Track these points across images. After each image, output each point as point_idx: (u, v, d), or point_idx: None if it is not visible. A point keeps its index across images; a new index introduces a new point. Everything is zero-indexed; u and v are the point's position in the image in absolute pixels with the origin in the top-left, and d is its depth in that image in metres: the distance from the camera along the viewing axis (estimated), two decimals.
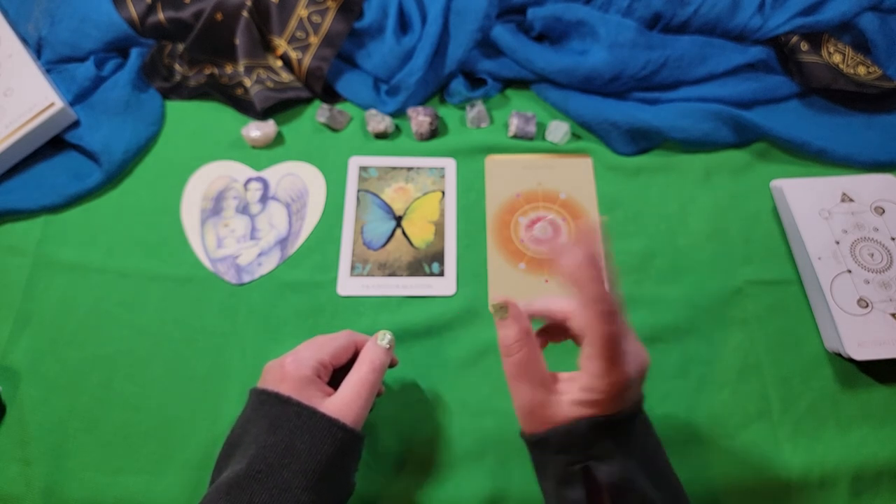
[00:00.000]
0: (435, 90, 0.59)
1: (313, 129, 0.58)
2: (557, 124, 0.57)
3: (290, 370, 0.36)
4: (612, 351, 0.29)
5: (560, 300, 0.34)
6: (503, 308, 0.32)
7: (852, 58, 0.57)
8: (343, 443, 0.34)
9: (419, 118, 0.56)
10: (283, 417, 0.34)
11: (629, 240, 0.52)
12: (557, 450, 0.31)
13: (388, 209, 0.54)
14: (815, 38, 0.58)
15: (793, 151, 0.56)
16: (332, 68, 0.58)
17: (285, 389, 0.35)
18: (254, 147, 0.57)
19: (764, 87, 0.57)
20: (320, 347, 0.38)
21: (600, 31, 0.55)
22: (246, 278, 0.50)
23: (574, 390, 0.31)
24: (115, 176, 0.54)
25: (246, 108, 0.58)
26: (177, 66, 0.59)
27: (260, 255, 0.51)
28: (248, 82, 0.57)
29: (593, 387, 0.30)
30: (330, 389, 0.37)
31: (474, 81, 0.60)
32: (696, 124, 0.54)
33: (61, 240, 0.51)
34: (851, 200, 0.50)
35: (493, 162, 0.56)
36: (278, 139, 0.57)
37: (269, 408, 0.35)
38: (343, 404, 0.35)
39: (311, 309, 0.49)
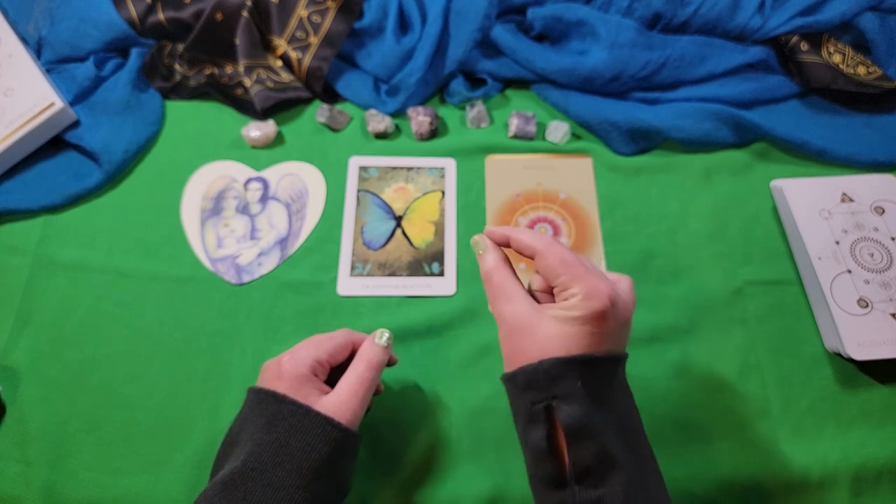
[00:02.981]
0: (435, 90, 0.59)
1: (313, 129, 0.58)
2: (557, 124, 0.57)
3: (286, 368, 0.36)
4: (573, 263, 0.31)
5: (527, 234, 0.34)
6: (482, 242, 0.36)
7: (852, 58, 0.57)
8: (338, 441, 0.34)
9: (419, 118, 0.56)
10: (278, 416, 0.34)
11: (629, 240, 0.52)
12: (524, 386, 0.31)
13: (388, 209, 0.54)
14: (815, 38, 0.58)
15: (793, 151, 0.56)
16: (332, 68, 0.58)
17: (281, 388, 0.35)
18: (254, 147, 0.57)
19: (764, 87, 0.57)
20: (317, 346, 0.38)
21: (600, 31, 0.55)
22: (246, 278, 0.50)
23: (555, 304, 0.32)
24: (115, 176, 0.54)
25: (246, 108, 0.58)
26: (177, 66, 0.59)
27: (260, 255, 0.51)
28: (248, 82, 0.57)
29: (571, 302, 0.31)
30: (327, 388, 0.37)
31: (474, 81, 0.60)
32: (696, 124, 0.54)
33: (61, 240, 0.51)
34: (851, 200, 0.50)
35: (493, 162, 0.56)
36: (278, 139, 0.57)
37: (265, 406, 0.35)
38: (339, 403, 0.35)
39: (311, 309, 0.49)
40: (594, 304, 0.30)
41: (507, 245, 0.35)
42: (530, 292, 0.35)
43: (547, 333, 0.31)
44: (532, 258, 0.33)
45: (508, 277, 0.34)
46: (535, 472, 0.31)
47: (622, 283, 0.34)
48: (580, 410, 0.29)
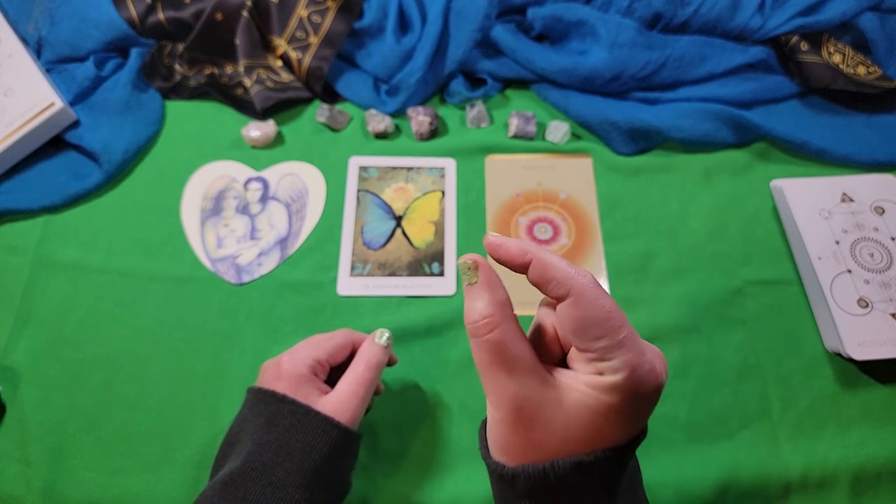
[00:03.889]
0: (435, 90, 0.59)
1: (313, 129, 0.58)
2: (557, 124, 0.57)
3: (286, 368, 0.36)
4: (621, 324, 0.22)
5: (562, 263, 0.23)
6: (473, 269, 0.24)
7: (852, 58, 0.57)
8: (338, 441, 0.34)
9: (419, 118, 0.56)
10: (278, 416, 0.34)
11: (629, 240, 0.52)
12: (526, 493, 0.23)
13: (388, 209, 0.54)
14: (815, 38, 0.58)
15: (793, 151, 0.56)
16: (332, 68, 0.58)
17: (281, 388, 0.35)
18: (254, 147, 0.57)
19: (764, 87, 0.57)
20: (317, 346, 0.38)
21: (600, 31, 0.55)
22: (246, 278, 0.50)
23: (581, 379, 0.23)
24: (115, 176, 0.54)
25: (246, 108, 0.58)
26: (177, 66, 0.59)
27: (260, 255, 0.51)
28: (248, 82, 0.57)
29: (611, 380, 0.22)
30: (326, 388, 0.37)
31: (474, 81, 0.60)
32: (696, 124, 0.54)
33: (61, 240, 0.51)
34: (851, 200, 0.50)
35: (493, 162, 0.56)
36: (278, 139, 0.57)
37: (264, 406, 0.35)
38: (339, 402, 0.35)
39: (311, 309, 0.49)
40: (643, 388, 0.22)
41: (520, 267, 0.24)
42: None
43: (568, 423, 0.22)
44: (556, 299, 0.23)
45: (513, 334, 0.23)
46: None
47: (657, 352, 0.24)
48: None
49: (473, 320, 0.24)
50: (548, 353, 0.25)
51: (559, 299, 0.23)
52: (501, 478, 0.24)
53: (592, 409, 0.22)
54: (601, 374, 0.22)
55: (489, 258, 0.25)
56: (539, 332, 0.26)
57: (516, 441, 0.23)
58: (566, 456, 0.22)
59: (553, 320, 0.25)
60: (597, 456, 0.22)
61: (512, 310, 0.24)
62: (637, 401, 0.22)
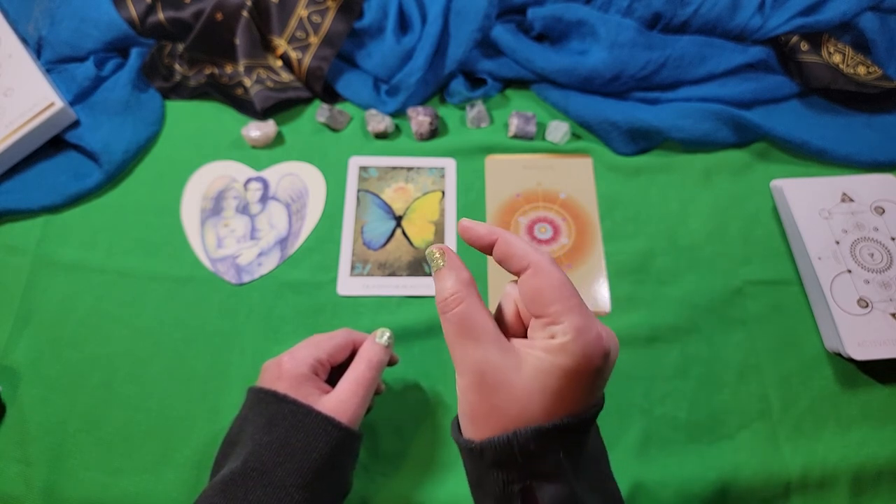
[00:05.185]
0: (435, 90, 0.59)
1: (313, 129, 0.58)
2: (557, 124, 0.57)
3: (286, 368, 0.36)
4: (571, 293, 0.25)
5: (520, 241, 0.27)
6: (440, 255, 0.28)
7: (852, 58, 0.57)
8: (338, 441, 0.34)
9: (419, 118, 0.56)
10: (278, 415, 0.34)
11: (629, 240, 0.52)
12: (494, 463, 0.25)
13: (388, 209, 0.54)
14: (815, 38, 0.58)
15: (793, 151, 0.56)
16: (332, 68, 0.58)
17: (282, 388, 0.35)
18: (254, 147, 0.57)
19: (764, 87, 0.57)
20: (317, 346, 0.38)
21: (600, 31, 0.55)
22: (246, 278, 0.50)
23: (536, 345, 0.25)
24: (115, 176, 0.54)
25: (246, 108, 0.58)
26: (177, 66, 0.59)
27: (260, 255, 0.51)
28: (248, 82, 0.57)
29: (559, 342, 0.24)
30: (327, 387, 0.37)
31: (474, 81, 0.60)
32: (696, 124, 0.54)
33: (61, 240, 0.51)
34: (851, 200, 0.50)
35: (493, 162, 0.56)
36: (278, 139, 0.57)
37: (265, 406, 0.35)
38: (339, 402, 0.35)
39: (311, 309, 0.49)
40: (590, 351, 0.24)
41: (487, 247, 0.27)
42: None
43: (527, 388, 0.24)
44: (517, 273, 0.26)
45: (476, 308, 0.26)
46: None
47: (608, 329, 0.26)
48: (566, 490, 0.24)
49: (443, 297, 0.26)
50: (511, 330, 0.28)
51: (520, 272, 0.26)
52: (471, 452, 0.26)
53: (547, 371, 0.24)
54: (553, 337, 0.25)
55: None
56: (502, 310, 0.29)
57: (481, 406, 0.25)
58: (527, 425, 0.24)
59: (515, 296, 0.28)
60: (554, 423, 0.24)
61: (475, 288, 0.27)
62: (586, 364, 0.24)
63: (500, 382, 0.25)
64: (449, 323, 0.26)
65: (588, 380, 0.24)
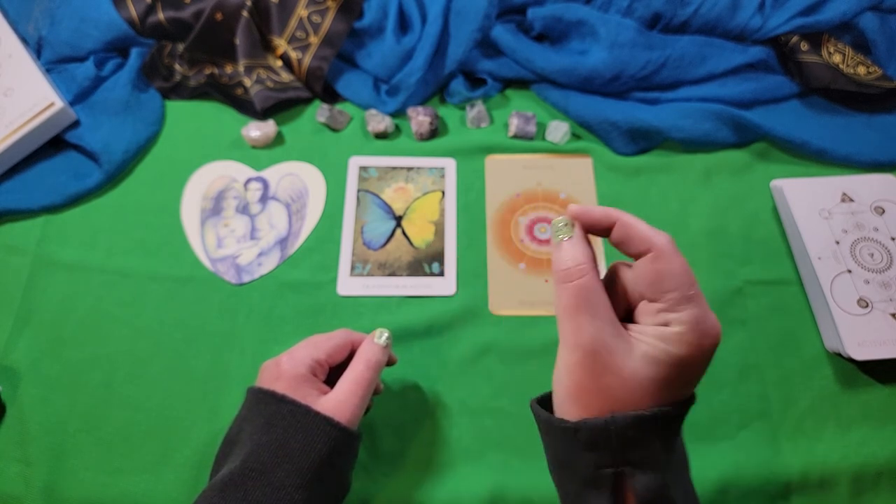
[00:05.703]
0: (435, 90, 0.59)
1: (313, 129, 0.58)
2: (557, 124, 0.57)
3: (285, 368, 0.36)
4: (692, 281, 0.24)
5: (643, 222, 0.27)
6: (569, 225, 0.28)
7: (852, 58, 0.57)
8: (337, 441, 0.34)
9: (419, 118, 0.56)
10: (277, 416, 0.34)
11: None
12: (587, 444, 0.25)
13: (388, 209, 0.54)
14: (815, 38, 0.58)
15: (793, 151, 0.56)
16: (332, 68, 0.58)
17: (280, 388, 0.35)
18: (254, 147, 0.57)
19: (764, 87, 0.57)
20: (316, 346, 0.38)
21: (600, 31, 0.55)
22: (246, 278, 0.50)
23: (648, 331, 0.25)
24: (115, 176, 0.54)
25: (246, 108, 0.58)
26: (177, 66, 0.59)
27: (260, 255, 0.51)
28: (248, 82, 0.57)
29: (675, 331, 0.24)
30: (326, 388, 0.37)
31: (474, 81, 0.60)
32: (696, 124, 0.54)
33: (61, 240, 0.51)
34: (851, 200, 0.50)
35: (493, 162, 0.56)
36: (278, 139, 0.57)
37: (264, 406, 0.35)
38: (338, 402, 0.35)
39: (311, 309, 0.49)
40: (705, 342, 0.24)
41: (604, 228, 0.27)
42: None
43: (636, 373, 0.24)
44: (636, 255, 0.26)
45: (598, 284, 0.26)
46: None
47: (718, 322, 0.26)
48: (659, 480, 0.24)
49: (566, 267, 0.26)
50: (615, 308, 0.27)
51: (639, 255, 0.26)
52: (564, 431, 0.26)
53: (658, 360, 0.24)
54: (668, 324, 0.25)
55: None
56: (610, 287, 0.28)
57: (589, 384, 0.25)
58: (627, 409, 0.24)
59: (626, 277, 0.27)
60: (655, 412, 0.24)
61: (597, 265, 0.27)
62: (698, 354, 0.24)
63: (611, 363, 0.25)
64: (570, 294, 0.26)
65: (696, 371, 0.25)
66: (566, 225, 0.28)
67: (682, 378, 0.25)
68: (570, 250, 0.27)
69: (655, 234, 0.26)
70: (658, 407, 0.24)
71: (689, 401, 0.26)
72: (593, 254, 0.27)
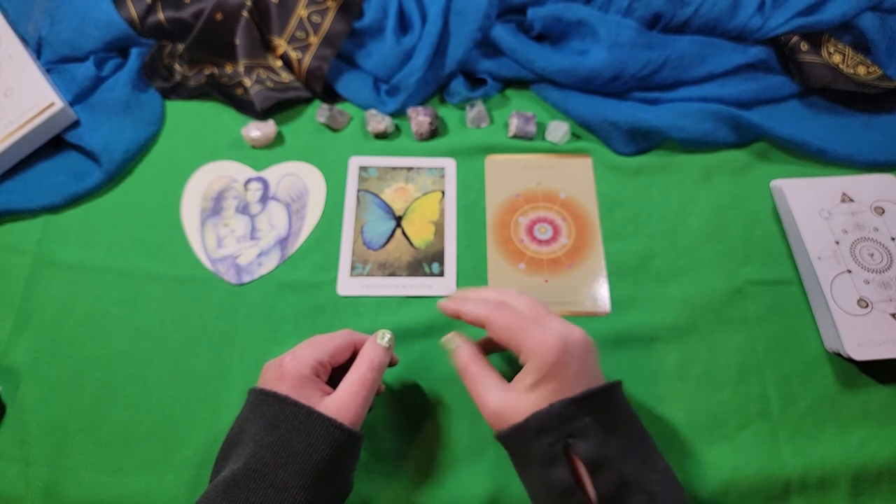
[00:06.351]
0: (435, 90, 0.59)
1: (313, 129, 0.58)
2: (557, 124, 0.57)
3: (288, 369, 0.36)
4: (516, 326, 0.35)
5: (474, 306, 0.37)
6: (452, 339, 0.39)
7: (852, 58, 0.57)
8: (340, 442, 0.34)
9: (419, 118, 0.56)
10: (280, 417, 0.34)
11: (629, 240, 0.52)
12: (538, 431, 0.33)
13: (388, 209, 0.54)
14: (815, 38, 0.58)
15: (793, 151, 0.56)
16: (332, 68, 0.58)
17: (283, 389, 0.35)
18: (254, 147, 0.57)
19: (764, 87, 0.57)
20: (319, 347, 0.38)
21: (600, 31, 0.55)
22: (246, 278, 0.50)
23: (520, 380, 0.35)
24: (115, 176, 0.54)
25: (246, 108, 0.58)
26: (177, 66, 0.59)
27: (260, 255, 0.51)
28: (248, 82, 0.57)
29: (527, 367, 0.34)
30: (329, 389, 0.37)
31: (474, 81, 0.60)
32: (696, 124, 0.54)
33: (61, 240, 0.51)
34: (851, 200, 0.50)
35: (493, 162, 0.56)
36: (278, 139, 0.57)
37: (266, 407, 0.35)
38: (341, 403, 0.35)
39: (311, 309, 0.49)
40: (547, 359, 0.33)
41: (459, 318, 0.38)
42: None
43: (528, 406, 0.33)
44: (479, 326, 0.37)
45: (483, 368, 0.37)
46: None
47: (568, 326, 0.35)
48: (596, 443, 0.32)
49: (460, 366, 0.38)
50: (491, 345, 0.42)
51: (483, 327, 0.37)
52: (518, 429, 0.33)
53: (532, 390, 0.34)
54: (523, 363, 0.35)
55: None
56: (464, 318, 0.38)
57: (496, 420, 0.35)
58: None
59: (475, 314, 0.38)
60: (577, 395, 0.33)
61: (481, 352, 0.39)
62: (555, 369, 0.33)
63: (510, 411, 0.34)
64: (469, 381, 0.37)
65: (562, 371, 0.33)
66: (452, 338, 0.39)
67: (563, 381, 0.33)
68: (458, 354, 0.38)
69: (482, 311, 0.37)
70: (580, 392, 0.33)
71: (611, 384, 0.35)
72: (475, 349, 0.38)
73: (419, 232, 0.53)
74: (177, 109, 0.59)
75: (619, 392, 0.36)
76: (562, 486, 0.32)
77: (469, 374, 0.37)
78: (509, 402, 0.34)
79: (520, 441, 0.34)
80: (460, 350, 0.38)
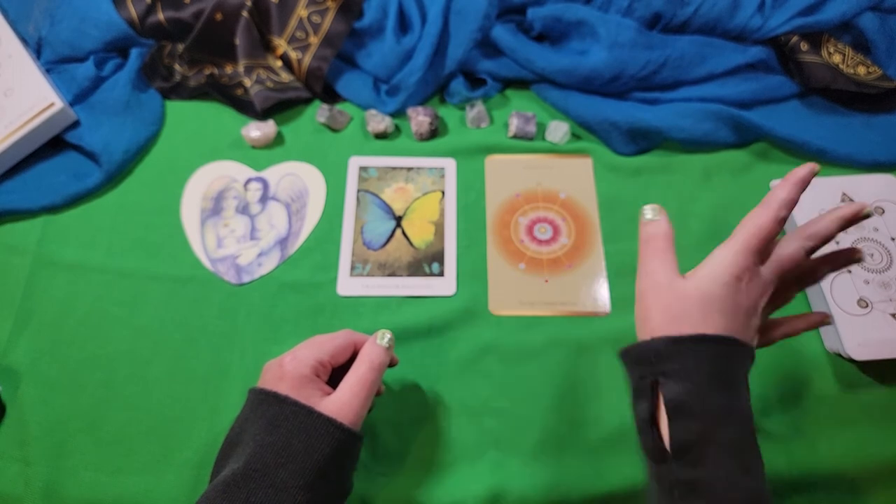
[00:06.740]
0: (435, 90, 0.59)
1: (313, 129, 0.58)
2: (557, 124, 0.57)
3: (288, 369, 0.36)
4: (752, 240, 0.31)
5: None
6: (656, 210, 0.36)
7: (852, 58, 0.57)
8: (340, 442, 0.34)
9: (419, 118, 0.56)
10: (280, 417, 0.34)
11: (629, 240, 0.52)
12: (636, 360, 0.32)
13: (388, 209, 0.54)
14: (815, 38, 0.58)
15: (793, 151, 0.56)
16: (332, 68, 0.58)
17: (283, 389, 0.35)
18: (254, 147, 0.57)
19: (764, 87, 0.57)
20: (319, 347, 0.38)
21: (600, 31, 0.55)
22: (246, 278, 0.50)
23: (693, 276, 0.32)
24: (115, 176, 0.54)
25: (246, 108, 0.58)
26: (177, 66, 0.59)
27: (260, 255, 0.51)
28: (248, 82, 0.57)
29: (713, 261, 0.32)
30: (329, 389, 0.37)
31: (474, 81, 0.60)
32: (696, 124, 0.54)
33: (61, 240, 0.51)
34: (851, 200, 0.50)
35: (493, 162, 0.56)
36: (278, 139, 0.57)
37: (266, 407, 0.35)
38: (341, 403, 0.35)
39: (311, 309, 0.49)
40: (729, 268, 0.31)
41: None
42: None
43: (678, 299, 0.32)
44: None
45: (670, 247, 0.34)
46: (642, 443, 0.32)
47: (763, 280, 0.32)
48: (683, 388, 0.30)
49: (654, 231, 0.35)
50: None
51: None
52: (624, 354, 0.34)
53: (694, 292, 0.32)
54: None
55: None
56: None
57: (645, 310, 0.33)
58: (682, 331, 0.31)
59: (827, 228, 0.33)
60: (685, 335, 0.30)
61: (673, 238, 0.35)
62: (723, 290, 0.31)
63: (664, 292, 0.32)
64: (650, 247, 0.34)
65: (724, 298, 0.31)
66: (656, 211, 0.35)
67: (716, 311, 0.31)
68: (661, 221, 0.35)
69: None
70: (687, 334, 0.30)
71: (732, 338, 0.31)
72: (671, 230, 0.35)
73: (419, 232, 0.53)
74: (177, 109, 0.59)
75: (741, 358, 0.31)
76: (640, 419, 0.31)
77: (657, 242, 0.34)
78: (672, 284, 0.32)
79: (626, 364, 0.34)
80: (663, 220, 0.35)
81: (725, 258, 0.32)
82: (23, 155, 0.54)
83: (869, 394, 0.45)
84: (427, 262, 0.51)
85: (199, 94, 0.59)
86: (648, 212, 0.35)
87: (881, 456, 0.43)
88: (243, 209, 0.54)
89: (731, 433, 0.29)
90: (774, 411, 0.45)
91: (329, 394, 0.36)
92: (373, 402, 0.41)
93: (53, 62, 0.58)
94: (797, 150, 0.55)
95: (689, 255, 0.51)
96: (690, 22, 0.57)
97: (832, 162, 0.55)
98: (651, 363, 0.31)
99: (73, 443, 0.43)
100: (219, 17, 0.57)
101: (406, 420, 0.45)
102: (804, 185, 0.32)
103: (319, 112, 0.57)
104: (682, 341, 0.30)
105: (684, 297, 0.32)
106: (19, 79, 0.55)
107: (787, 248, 0.33)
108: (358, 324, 0.48)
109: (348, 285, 0.50)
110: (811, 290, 0.48)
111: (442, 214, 0.54)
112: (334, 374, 0.38)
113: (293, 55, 0.58)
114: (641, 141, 0.56)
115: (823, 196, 0.50)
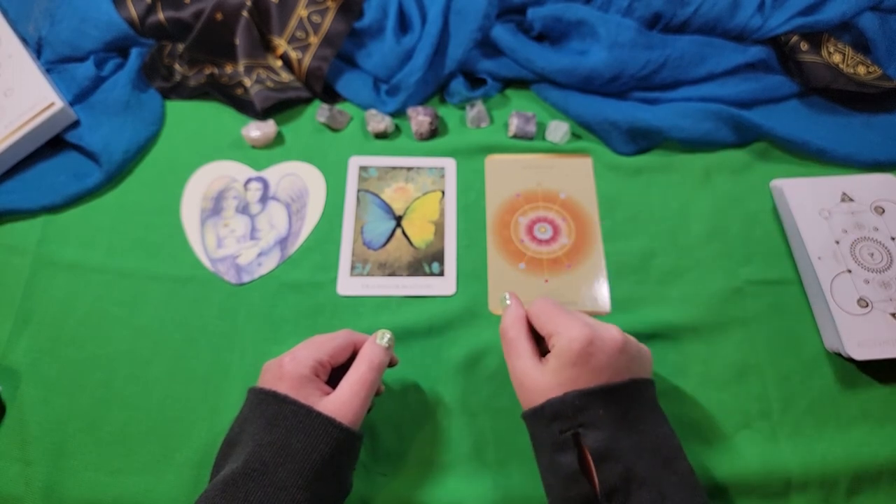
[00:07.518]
0: (435, 90, 0.59)
1: (313, 129, 0.58)
2: (557, 124, 0.57)
3: (288, 369, 0.36)
4: (555, 314, 0.37)
5: (536, 307, 0.39)
6: (507, 298, 0.41)
7: (852, 58, 0.57)
8: (339, 442, 0.34)
9: (419, 118, 0.56)
10: (279, 416, 0.34)
11: (629, 240, 0.52)
12: (551, 418, 0.34)
13: (388, 209, 0.54)
14: (815, 37, 0.58)
15: (793, 151, 0.56)
16: (332, 68, 0.58)
17: (283, 388, 0.35)
18: (254, 147, 0.57)
19: (764, 87, 0.57)
20: (319, 346, 0.38)
21: (600, 30, 0.55)
22: (246, 278, 0.50)
23: (549, 358, 0.36)
24: (115, 176, 0.54)
25: (246, 108, 0.58)
26: (177, 66, 0.59)
27: (260, 255, 0.51)
28: (248, 82, 0.57)
29: (556, 348, 0.35)
30: (328, 388, 0.37)
31: (474, 81, 0.60)
32: (696, 124, 0.54)
33: (61, 240, 0.51)
34: (851, 200, 0.50)
35: (493, 162, 0.56)
36: (278, 139, 0.57)
37: (266, 406, 0.35)
38: (341, 403, 0.35)
39: (311, 309, 0.49)
40: (572, 345, 0.34)
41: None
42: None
43: (547, 384, 0.35)
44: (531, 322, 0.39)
45: (522, 335, 0.38)
46: (567, 495, 0.33)
47: (605, 326, 0.37)
48: (606, 434, 0.33)
49: (503, 325, 0.39)
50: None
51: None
52: (535, 413, 0.35)
53: (556, 370, 0.35)
54: (554, 346, 0.36)
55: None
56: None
57: (524, 398, 0.37)
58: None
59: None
60: (592, 388, 0.34)
61: (527, 323, 0.39)
62: (580, 357, 0.34)
63: (532, 382, 0.36)
64: (505, 342, 0.38)
65: (585, 361, 0.34)
66: (507, 297, 0.41)
67: (586, 371, 0.34)
68: (506, 314, 0.40)
69: (532, 305, 0.39)
70: (596, 385, 0.34)
71: (635, 380, 0.35)
72: (523, 315, 0.39)
73: (419, 232, 0.53)
74: (177, 109, 0.59)
75: (644, 391, 0.36)
76: (566, 471, 0.33)
77: (507, 337, 0.38)
78: (533, 374, 0.35)
79: (536, 424, 0.35)
80: (508, 310, 0.40)
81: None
82: (23, 155, 0.54)
83: (869, 394, 0.45)
84: (427, 261, 0.51)
85: (199, 93, 0.59)
86: (502, 301, 0.41)
87: (881, 455, 0.43)
88: (243, 209, 0.54)
89: (649, 466, 0.33)
90: (774, 411, 0.45)
91: (328, 393, 0.36)
92: (372, 401, 0.41)
93: (53, 62, 0.58)
94: (797, 150, 0.55)
95: (688, 254, 0.51)
96: (690, 22, 0.57)
97: (832, 162, 0.55)
98: (569, 417, 0.33)
99: (73, 443, 0.43)
100: (219, 16, 0.57)
101: (406, 420, 0.45)
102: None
103: (319, 112, 0.57)
104: (593, 393, 0.33)
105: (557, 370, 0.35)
106: (19, 79, 0.55)
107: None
108: (358, 324, 0.48)
109: (348, 285, 0.50)
110: (811, 291, 0.48)
111: (442, 214, 0.54)
112: (334, 374, 0.38)
113: (293, 55, 0.58)
114: (641, 141, 0.56)
115: (823, 196, 0.50)
